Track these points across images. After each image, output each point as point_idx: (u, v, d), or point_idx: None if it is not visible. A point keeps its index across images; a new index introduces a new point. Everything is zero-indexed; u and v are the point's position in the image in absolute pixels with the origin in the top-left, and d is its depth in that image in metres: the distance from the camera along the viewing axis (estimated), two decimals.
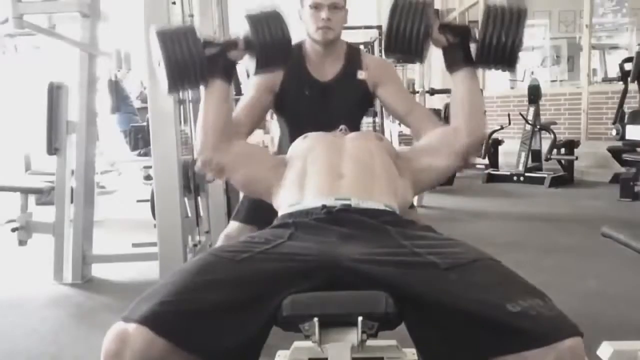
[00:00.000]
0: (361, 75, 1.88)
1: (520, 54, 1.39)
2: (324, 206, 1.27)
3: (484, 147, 5.98)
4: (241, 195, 3.05)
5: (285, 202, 1.38)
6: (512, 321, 0.96)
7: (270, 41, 1.44)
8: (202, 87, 1.49)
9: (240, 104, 1.87)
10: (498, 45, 1.37)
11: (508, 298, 0.99)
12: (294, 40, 1.55)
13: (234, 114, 1.85)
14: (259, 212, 1.42)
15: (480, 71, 6.34)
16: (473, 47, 1.44)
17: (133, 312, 0.99)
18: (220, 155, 1.47)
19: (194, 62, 1.37)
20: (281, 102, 1.90)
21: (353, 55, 1.91)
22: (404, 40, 1.41)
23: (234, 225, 1.86)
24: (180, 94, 2.57)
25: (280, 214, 1.38)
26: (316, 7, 1.78)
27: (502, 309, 0.97)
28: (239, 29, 1.50)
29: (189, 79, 1.41)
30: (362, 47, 7.31)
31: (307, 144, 1.53)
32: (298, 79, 1.86)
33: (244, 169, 1.48)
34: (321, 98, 1.85)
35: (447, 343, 1.06)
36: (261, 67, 1.49)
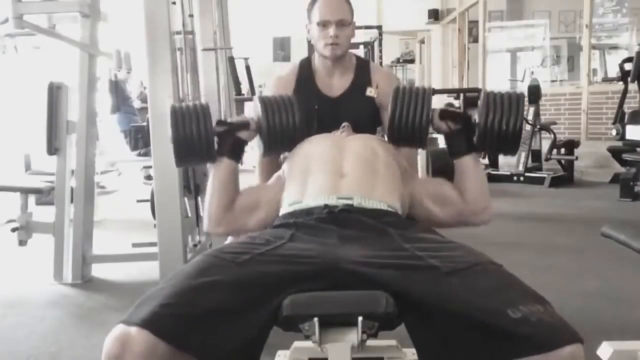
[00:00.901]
0: (370, 92, 1.89)
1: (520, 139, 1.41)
2: (325, 206, 1.27)
3: None
4: None
5: (286, 201, 1.38)
6: (512, 327, 0.96)
7: (279, 129, 1.45)
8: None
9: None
10: (499, 133, 1.38)
11: (509, 304, 0.99)
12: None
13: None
14: None
15: (480, 69, 6.36)
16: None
17: (134, 315, 0.99)
18: (224, 228, 1.48)
19: (201, 141, 1.39)
20: None
21: (362, 70, 1.92)
22: (407, 130, 1.44)
23: None
24: (175, 90, 2.58)
25: (281, 212, 1.38)
26: (324, 24, 1.79)
27: (502, 314, 0.98)
28: (252, 109, 1.52)
29: (196, 157, 1.43)
30: (362, 46, 7.32)
31: (309, 144, 1.53)
32: (308, 95, 1.87)
33: (252, 219, 1.47)
34: (331, 113, 1.85)
35: (448, 347, 1.06)
36: (268, 151, 1.51)
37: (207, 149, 1.41)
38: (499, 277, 1.09)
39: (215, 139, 1.44)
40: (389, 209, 1.32)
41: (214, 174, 1.47)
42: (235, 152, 1.48)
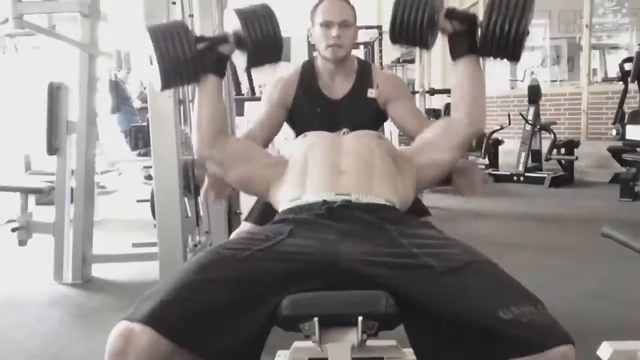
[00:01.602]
0: (371, 93, 1.89)
1: (524, 43, 1.36)
2: (324, 202, 1.27)
3: (484, 147, 5.97)
4: (242, 195, 3.06)
5: (285, 197, 1.38)
6: (503, 328, 0.96)
7: (261, 37, 1.44)
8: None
9: (253, 119, 1.90)
10: (502, 34, 1.34)
11: (500, 305, 0.99)
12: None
13: (248, 128, 1.89)
14: (272, 213, 1.43)
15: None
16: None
17: (137, 311, 0.99)
18: (216, 151, 1.47)
19: (186, 57, 1.38)
20: (294, 119, 1.93)
21: (364, 72, 1.92)
22: (409, 28, 1.40)
23: (246, 225, 1.86)
24: (175, 90, 2.57)
25: (280, 209, 1.38)
26: (327, 25, 1.79)
27: (494, 316, 0.98)
28: (229, 24, 1.50)
29: (182, 75, 1.41)
30: (362, 46, 7.32)
31: (308, 141, 1.54)
32: (310, 96, 1.88)
33: (241, 167, 1.48)
34: (333, 116, 1.85)
35: (442, 347, 1.07)
36: (252, 62, 1.50)
37: (193, 67, 1.40)
38: (493, 277, 1.09)
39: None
40: (387, 203, 1.32)
41: (200, 93, 1.47)
42: (219, 67, 1.48)
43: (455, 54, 1.46)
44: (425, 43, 1.43)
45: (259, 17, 1.45)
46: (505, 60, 1.42)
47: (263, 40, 1.44)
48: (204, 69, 1.44)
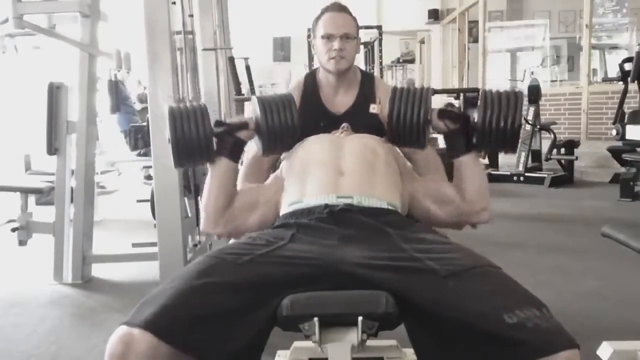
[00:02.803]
0: (373, 109, 1.87)
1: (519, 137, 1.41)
2: (326, 205, 1.27)
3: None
4: None
5: (286, 201, 1.38)
6: (508, 333, 0.96)
7: (278, 128, 1.45)
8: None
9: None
10: (498, 131, 1.37)
11: (505, 308, 0.99)
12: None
13: (253, 152, 1.85)
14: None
15: (480, 69, 6.37)
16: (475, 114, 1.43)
17: (137, 316, 0.99)
18: (221, 228, 1.47)
19: (200, 141, 1.39)
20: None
21: (366, 86, 1.90)
22: (406, 130, 1.43)
23: None
24: (175, 90, 2.58)
25: (281, 212, 1.38)
26: (328, 37, 1.78)
27: (499, 320, 0.98)
28: (252, 110, 1.52)
29: (195, 157, 1.43)
30: (362, 46, 7.32)
31: (308, 143, 1.53)
32: (313, 110, 1.85)
33: (251, 218, 1.46)
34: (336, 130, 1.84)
35: (445, 350, 1.06)
36: (267, 151, 1.51)
37: (206, 150, 1.41)
38: (497, 281, 1.09)
39: (214, 139, 1.44)
40: (389, 207, 1.32)
41: (212, 174, 1.47)
42: (234, 152, 1.48)
43: (454, 153, 1.48)
44: (422, 143, 1.48)
45: (279, 107, 1.46)
46: (501, 152, 1.48)
47: (279, 131, 1.45)
48: (219, 152, 1.45)
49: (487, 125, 1.38)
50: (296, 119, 1.47)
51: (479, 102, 1.41)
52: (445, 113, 1.46)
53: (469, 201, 1.46)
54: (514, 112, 1.37)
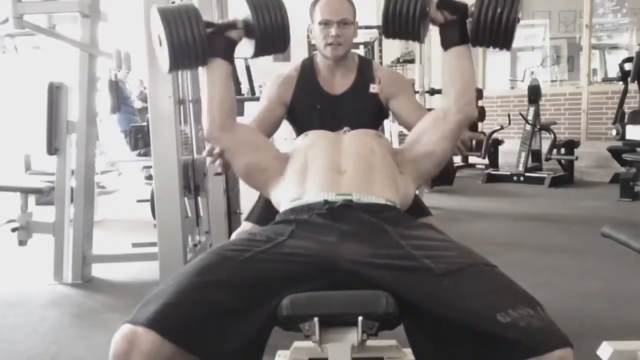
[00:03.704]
0: (373, 89, 1.87)
1: (516, 33, 1.38)
2: (325, 202, 1.27)
3: (484, 147, 5.97)
4: (242, 195, 3.06)
5: (286, 197, 1.38)
6: (501, 332, 0.96)
7: (269, 25, 1.44)
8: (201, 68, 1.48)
9: (252, 116, 1.89)
10: (493, 22, 1.36)
11: (498, 308, 0.99)
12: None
13: (247, 124, 1.87)
14: (272, 213, 1.42)
15: (480, 69, 6.38)
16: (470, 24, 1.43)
17: (140, 314, 1.00)
18: (226, 135, 1.48)
19: (195, 39, 1.37)
20: (294, 115, 1.91)
21: (364, 68, 1.91)
22: (401, 21, 1.41)
23: (247, 225, 1.86)
24: (175, 90, 2.57)
25: (281, 209, 1.38)
26: (326, 23, 1.78)
27: (492, 319, 0.98)
28: (239, 12, 1.51)
29: (191, 57, 1.41)
30: (362, 46, 7.33)
31: (308, 140, 1.54)
32: (310, 93, 1.87)
33: (247, 156, 1.48)
34: (333, 111, 1.84)
35: (441, 349, 1.07)
36: (259, 51, 1.50)
37: (202, 50, 1.40)
38: (492, 280, 1.09)
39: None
40: (388, 203, 1.32)
41: (210, 77, 1.47)
42: (228, 52, 1.48)
43: (447, 43, 1.47)
44: (417, 35, 1.45)
45: (269, 6, 1.45)
46: (496, 48, 1.44)
47: (271, 29, 1.45)
48: (212, 54, 1.44)
49: (483, 17, 1.37)
50: (286, 17, 1.46)
51: None
52: (445, 3, 1.46)
53: (456, 96, 1.45)
54: (511, 6, 1.36)
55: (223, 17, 3.40)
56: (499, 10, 1.35)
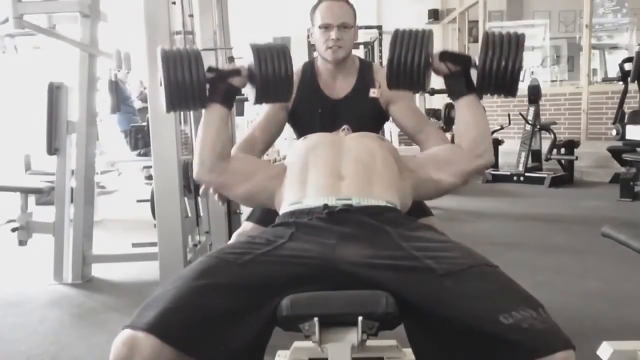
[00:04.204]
0: (373, 93, 1.88)
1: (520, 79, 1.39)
2: (325, 206, 1.27)
3: None
4: None
5: (286, 200, 1.38)
6: (504, 334, 0.96)
7: (272, 76, 1.44)
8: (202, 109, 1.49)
9: (254, 121, 1.89)
10: (498, 73, 1.36)
11: (501, 309, 0.99)
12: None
13: (250, 131, 1.88)
14: (273, 214, 1.43)
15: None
16: (474, 73, 1.43)
17: (140, 319, 1.00)
18: (215, 176, 1.47)
19: (193, 84, 1.38)
20: (295, 119, 1.92)
21: (365, 72, 1.91)
22: (406, 73, 1.42)
23: (247, 225, 1.86)
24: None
25: (281, 212, 1.38)
26: (326, 27, 1.78)
27: (494, 320, 0.98)
28: (245, 58, 1.51)
29: (187, 101, 1.41)
30: (362, 46, 7.33)
31: (308, 144, 1.54)
32: (311, 97, 1.87)
33: (243, 185, 1.47)
34: (334, 115, 1.84)
35: (443, 350, 1.07)
36: (260, 99, 1.50)
37: (199, 95, 1.40)
38: (494, 281, 1.09)
39: (207, 85, 1.43)
40: (388, 205, 1.32)
41: (206, 120, 1.47)
42: (227, 98, 1.48)
43: (454, 95, 1.48)
44: (422, 86, 1.46)
45: (273, 56, 1.45)
46: (501, 95, 1.45)
47: (272, 80, 1.45)
48: (211, 98, 1.45)
49: (488, 67, 1.37)
50: (290, 69, 1.46)
51: (480, 43, 1.40)
52: (447, 55, 1.46)
53: (470, 145, 1.46)
54: (515, 54, 1.36)
55: (223, 17, 3.40)
56: (503, 63, 1.36)
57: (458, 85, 1.47)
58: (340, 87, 1.89)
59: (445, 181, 1.47)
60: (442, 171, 1.47)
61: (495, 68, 1.36)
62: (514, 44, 1.37)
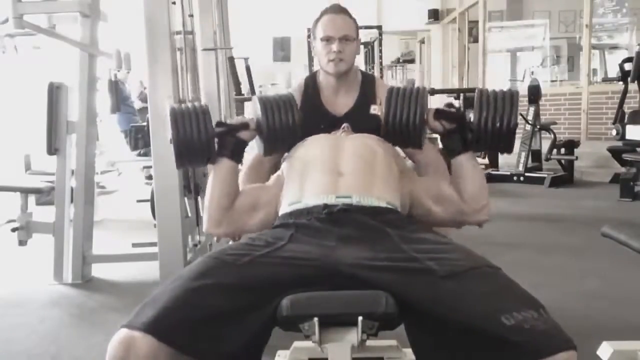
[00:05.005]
0: (374, 110, 1.86)
1: (515, 135, 1.40)
2: (325, 205, 1.27)
3: None
4: None
5: (285, 201, 1.38)
6: (505, 335, 0.96)
7: (279, 128, 1.45)
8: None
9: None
10: (493, 131, 1.37)
11: (503, 310, 0.99)
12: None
13: (255, 153, 1.86)
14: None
15: (480, 69, 6.37)
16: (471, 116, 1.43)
17: (137, 319, 1.00)
18: (225, 227, 1.47)
19: (202, 141, 1.39)
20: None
21: (367, 87, 1.89)
22: (402, 131, 1.43)
23: None
24: (175, 90, 2.57)
25: (280, 212, 1.38)
26: (327, 39, 1.77)
27: (496, 321, 0.98)
28: (253, 110, 1.52)
29: (196, 158, 1.43)
30: (362, 46, 7.33)
31: (307, 144, 1.54)
32: (313, 113, 1.85)
33: (252, 218, 1.46)
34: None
35: (443, 351, 1.07)
36: (268, 151, 1.51)
37: (208, 151, 1.41)
38: (495, 282, 1.09)
39: (215, 139, 1.44)
40: (388, 206, 1.32)
41: (214, 174, 1.47)
42: (235, 152, 1.48)
43: (451, 153, 1.48)
44: (419, 143, 1.47)
45: (280, 107, 1.46)
46: (498, 151, 1.47)
47: (280, 131, 1.45)
48: (220, 153, 1.45)
49: (483, 125, 1.38)
50: (297, 119, 1.47)
51: (474, 101, 1.41)
52: (442, 113, 1.47)
53: (468, 200, 1.45)
54: (509, 112, 1.37)
55: (223, 17, 3.40)
56: (497, 122, 1.36)
57: (454, 143, 1.47)
58: (342, 103, 1.87)
59: (439, 216, 1.47)
60: (440, 205, 1.47)
61: (491, 127, 1.37)
62: (508, 102, 1.37)
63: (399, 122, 1.42)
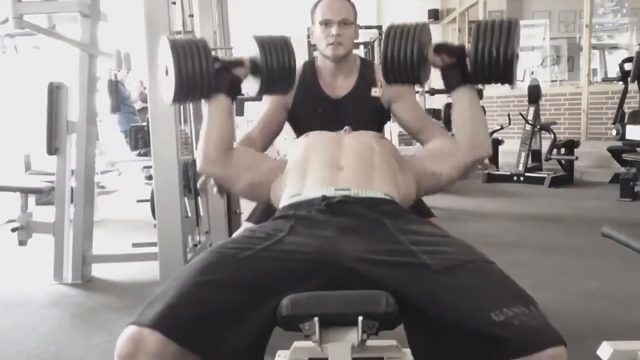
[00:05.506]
0: (375, 92, 1.87)
1: (515, 66, 1.37)
2: (324, 197, 1.28)
3: None
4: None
5: (286, 194, 1.39)
6: (494, 331, 0.96)
7: (276, 66, 1.46)
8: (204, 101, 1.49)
9: (255, 121, 1.89)
10: (490, 60, 1.35)
11: (493, 306, 0.99)
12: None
13: (249, 130, 1.88)
14: (273, 213, 1.43)
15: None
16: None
17: (144, 316, 1.01)
18: (220, 169, 1.48)
19: (202, 72, 1.38)
20: (295, 119, 1.91)
21: (366, 70, 1.90)
22: (400, 67, 1.42)
23: (247, 226, 1.86)
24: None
25: (281, 205, 1.39)
26: (326, 23, 1.78)
27: (485, 318, 0.98)
28: (246, 50, 1.52)
29: (197, 89, 1.41)
30: (362, 46, 7.33)
31: (308, 139, 1.55)
32: (311, 96, 1.86)
33: (245, 178, 1.49)
34: (334, 115, 1.83)
35: (438, 348, 1.07)
36: (265, 89, 1.51)
37: (208, 84, 1.40)
38: (488, 277, 1.09)
39: None
40: (385, 197, 1.32)
41: (211, 111, 1.48)
42: (232, 89, 1.49)
43: (450, 86, 1.49)
44: (418, 79, 1.46)
45: (277, 48, 1.47)
46: (498, 84, 1.43)
47: (277, 71, 1.46)
48: (217, 89, 1.45)
49: (480, 55, 1.36)
50: (293, 60, 1.47)
51: (472, 32, 1.40)
52: (442, 47, 1.47)
53: (468, 136, 1.46)
54: (507, 41, 1.34)
55: (223, 17, 3.40)
56: (494, 48, 1.35)
57: (454, 76, 1.47)
58: (340, 86, 1.88)
59: (445, 174, 1.48)
60: (441, 164, 1.49)
61: (488, 57, 1.35)
62: (505, 30, 1.35)
63: (398, 58, 1.41)
